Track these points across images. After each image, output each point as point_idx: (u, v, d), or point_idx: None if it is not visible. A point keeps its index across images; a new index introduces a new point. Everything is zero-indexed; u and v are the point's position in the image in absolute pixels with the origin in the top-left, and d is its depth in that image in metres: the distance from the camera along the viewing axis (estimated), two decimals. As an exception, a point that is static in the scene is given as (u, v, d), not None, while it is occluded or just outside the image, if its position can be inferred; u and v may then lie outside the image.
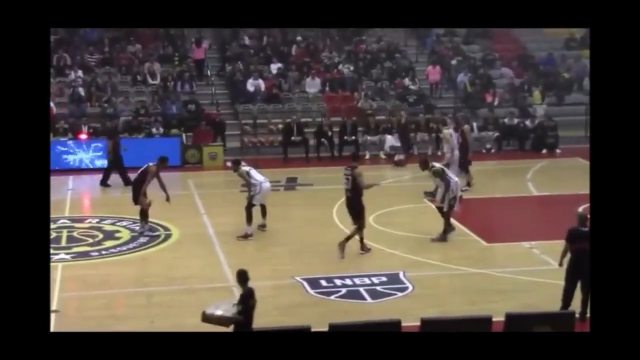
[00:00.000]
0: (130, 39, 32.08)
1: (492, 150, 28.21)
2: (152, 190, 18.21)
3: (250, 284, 10.77)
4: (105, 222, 19.38)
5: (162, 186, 18.18)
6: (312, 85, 30.53)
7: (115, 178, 23.28)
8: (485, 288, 14.76)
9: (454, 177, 17.90)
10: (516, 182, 23.62)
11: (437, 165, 18.00)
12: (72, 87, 29.10)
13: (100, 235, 18.23)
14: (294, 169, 25.56)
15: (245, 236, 17.68)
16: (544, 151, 27.87)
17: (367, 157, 26.64)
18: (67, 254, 16.88)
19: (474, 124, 27.14)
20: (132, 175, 19.88)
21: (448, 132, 21.86)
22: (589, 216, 11.67)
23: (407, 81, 30.98)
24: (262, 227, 18.16)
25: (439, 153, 26.00)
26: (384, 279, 15.14)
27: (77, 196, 22.73)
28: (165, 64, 31.04)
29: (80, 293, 14.91)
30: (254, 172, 17.99)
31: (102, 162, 24.88)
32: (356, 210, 16.51)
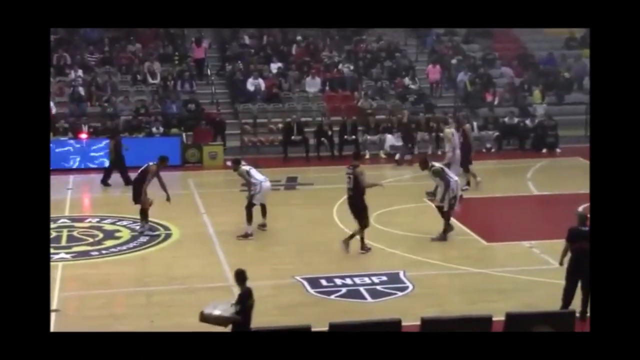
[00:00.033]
0: (130, 38, 32.08)
1: (492, 150, 28.22)
2: (152, 189, 18.21)
3: (251, 283, 10.78)
4: (105, 221, 19.38)
5: (163, 186, 18.19)
6: (312, 84, 30.54)
7: (115, 177, 23.29)
8: (485, 287, 14.77)
9: (453, 176, 17.90)
10: (516, 182, 23.63)
11: (437, 164, 17.99)
12: (72, 87, 29.12)
13: (101, 235, 18.23)
14: (294, 168, 25.57)
15: (246, 235, 17.69)
16: (544, 150, 27.89)
17: (367, 156, 26.63)
18: (67, 253, 16.89)
19: (474, 124, 27.13)
20: (133, 175, 19.89)
21: (450, 131, 21.84)
22: (589, 215, 11.67)
23: (407, 80, 30.99)
24: (262, 226, 18.17)
25: (439, 152, 26.03)
26: (384, 278, 15.15)
27: (77, 195, 22.73)
28: (165, 63, 31.05)
29: (80, 292, 14.91)
30: (254, 172, 17.99)
31: (103, 162, 24.87)
32: (358, 208, 16.52)
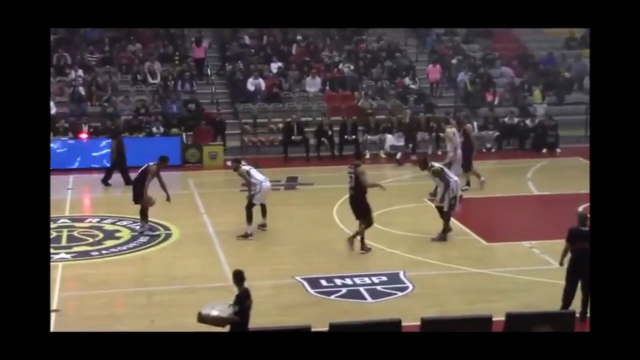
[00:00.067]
0: (131, 38, 32.07)
1: (493, 150, 28.20)
2: (153, 189, 18.21)
3: (251, 283, 10.78)
4: (105, 221, 19.37)
5: (163, 186, 18.19)
6: (313, 84, 30.53)
7: (115, 177, 23.29)
8: (485, 287, 14.77)
9: (453, 176, 17.89)
10: (516, 182, 23.63)
11: (437, 164, 17.99)
12: (73, 87, 29.10)
13: (101, 235, 18.23)
14: (294, 168, 25.56)
15: (246, 235, 17.68)
16: (544, 150, 27.87)
17: (368, 156, 26.60)
18: (67, 253, 16.88)
19: (475, 123, 27.12)
20: (133, 175, 19.89)
21: (451, 130, 21.84)
22: (589, 216, 11.66)
23: (407, 80, 30.97)
24: (262, 226, 18.16)
25: (439, 152, 26.03)
26: (384, 278, 15.14)
27: (77, 196, 22.72)
28: (165, 63, 31.03)
29: (80, 292, 14.91)
30: (254, 172, 17.99)
31: (103, 162, 24.86)
32: (360, 208, 16.53)
